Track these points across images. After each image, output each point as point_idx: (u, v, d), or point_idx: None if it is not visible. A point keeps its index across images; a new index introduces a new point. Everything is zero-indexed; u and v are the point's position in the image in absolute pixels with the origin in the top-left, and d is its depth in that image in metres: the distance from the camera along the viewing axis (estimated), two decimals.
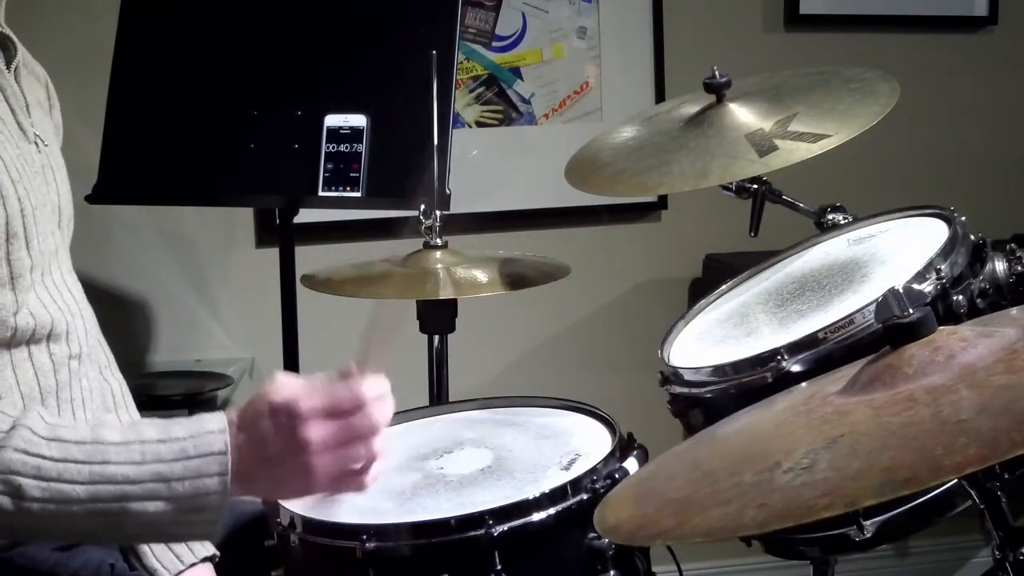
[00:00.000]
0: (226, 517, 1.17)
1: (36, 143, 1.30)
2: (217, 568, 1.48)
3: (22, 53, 1.34)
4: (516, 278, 1.92)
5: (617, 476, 1.37)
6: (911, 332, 1.01)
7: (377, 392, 1.19)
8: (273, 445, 1.15)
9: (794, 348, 1.51)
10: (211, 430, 1.15)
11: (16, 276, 1.22)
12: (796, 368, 1.50)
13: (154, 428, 1.16)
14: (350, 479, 1.19)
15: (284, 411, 1.15)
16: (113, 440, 1.14)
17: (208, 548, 1.46)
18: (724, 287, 1.87)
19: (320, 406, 1.16)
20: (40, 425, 1.13)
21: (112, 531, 1.15)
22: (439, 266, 1.91)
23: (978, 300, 1.53)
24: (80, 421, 1.30)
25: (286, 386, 1.17)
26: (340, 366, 1.21)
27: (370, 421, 1.18)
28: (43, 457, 1.12)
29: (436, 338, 2.05)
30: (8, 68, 1.30)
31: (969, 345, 0.97)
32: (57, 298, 1.28)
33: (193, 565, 1.46)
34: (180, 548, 1.44)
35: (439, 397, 2.07)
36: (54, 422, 1.15)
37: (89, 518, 1.12)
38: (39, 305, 1.24)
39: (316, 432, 1.15)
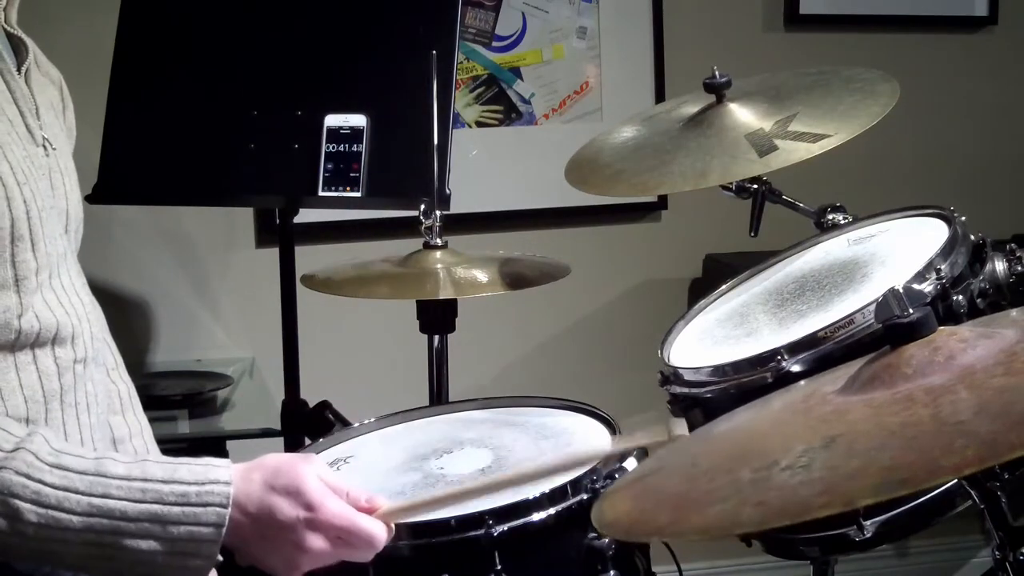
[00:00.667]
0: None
1: (44, 146, 1.29)
2: (218, 568, 1.48)
3: (34, 54, 1.34)
4: (516, 278, 1.92)
5: (617, 476, 1.37)
6: (911, 332, 1.01)
7: (382, 540, 1.23)
8: (278, 528, 1.17)
9: (794, 348, 1.51)
10: (217, 479, 1.16)
11: (21, 279, 1.21)
12: (796, 368, 1.50)
13: (160, 467, 1.17)
14: None
15: (308, 506, 1.17)
16: (117, 474, 1.15)
17: None
18: (724, 287, 1.87)
19: (337, 525, 1.19)
20: (45, 450, 1.14)
21: (103, 563, 1.15)
22: (439, 266, 1.91)
23: (978, 300, 1.53)
24: (84, 426, 1.30)
25: (323, 483, 1.20)
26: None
27: (362, 559, 1.22)
28: (44, 483, 1.12)
29: (436, 338, 2.05)
30: (19, 70, 1.30)
31: (969, 346, 0.97)
32: (64, 301, 1.28)
33: None
34: None
35: (439, 397, 2.07)
36: (59, 447, 1.15)
37: (82, 548, 1.13)
38: (45, 308, 1.24)
39: (318, 543, 1.18)
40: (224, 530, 1.15)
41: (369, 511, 1.21)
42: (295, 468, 1.19)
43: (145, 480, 1.15)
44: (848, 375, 1.03)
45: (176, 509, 1.14)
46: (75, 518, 1.12)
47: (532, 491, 1.36)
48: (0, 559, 1.19)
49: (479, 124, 2.80)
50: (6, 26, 1.32)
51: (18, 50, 1.32)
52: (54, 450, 1.15)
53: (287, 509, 1.17)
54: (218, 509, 1.15)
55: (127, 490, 1.14)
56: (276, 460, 1.21)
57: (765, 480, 0.89)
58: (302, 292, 2.09)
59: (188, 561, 1.15)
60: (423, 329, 2.03)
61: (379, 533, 1.20)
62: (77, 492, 1.13)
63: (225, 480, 1.16)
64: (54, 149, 1.31)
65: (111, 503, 1.13)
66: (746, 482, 0.91)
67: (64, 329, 1.26)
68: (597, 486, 1.36)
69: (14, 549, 1.14)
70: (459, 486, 1.24)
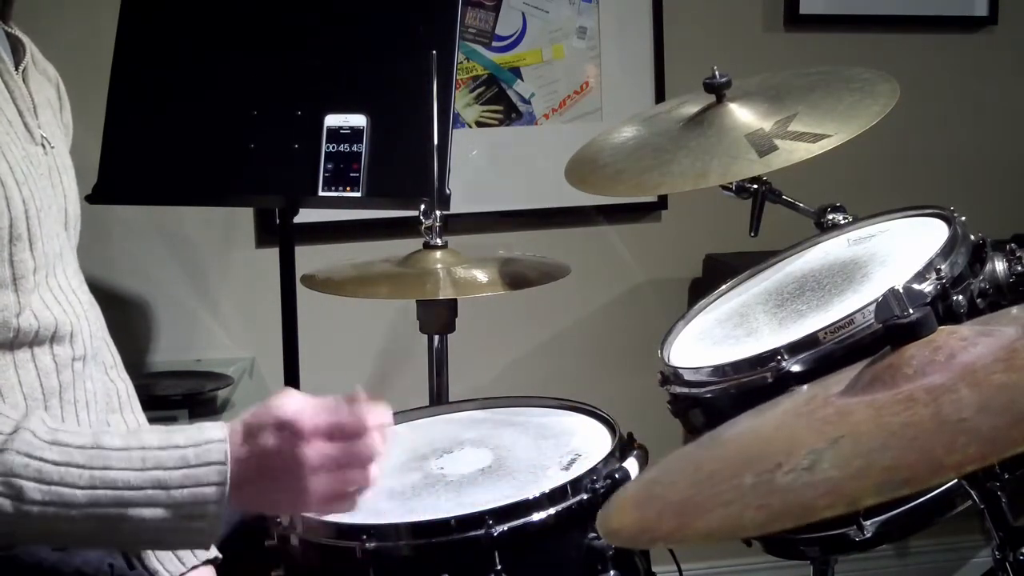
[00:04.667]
0: (223, 527, 1.17)
1: (43, 145, 1.30)
2: (217, 568, 1.48)
3: (31, 53, 1.34)
4: (516, 278, 1.92)
5: (617, 476, 1.37)
6: (911, 332, 1.00)
7: (380, 420, 1.21)
8: (272, 459, 1.16)
9: (794, 348, 1.51)
10: (212, 439, 1.16)
11: (19, 278, 1.22)
12: (796, 368, 1.50)
13: (155, 435, 1.17)
14: (342, 500, 1.21)
15: (288, 426, 1.16)
16: (114, 446, 1.15)
17: (210, 550, 1.46)
18: (724, 287, 1.87)
19: (323, 426, 1.17)
20: (42, 428, 1.14)
21: (110, 536, 1.16)
22: (439, 266, 1.91)
23: (978, 300, 1.53)
24: (84, 423, 1.31)
25: (292, 402, 1.18)
26: (348, 389, 1.21)
27: (369, 448, 1.20)
28: (44, 460, 1.12)
29: (436, 338, 2.05)
30: (17, 69, 1.30)
31: (969, 344, 0.97)
32: (61, 299, 1.28)
33: (195, 567, 1.46)
34: (182, 551, 1.44)
35: (439, 397, 2.07)
36: (55, 426, 1.16)
37: (88, 522, 1.13)
38: (42, 307, 1.24)
39: (315, 451, 1.16)
40: (227, 488, 1.14)
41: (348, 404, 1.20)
42: (269, 404, 1.19)
43: (143, 448, 1.15)
44: (850, 378, 1.03)
45: (177, 473, 1.14)
46: (79, 492, 1.12)
47: (532, 491, 1.36)
48: (8, 541, 1.19)
49: (479, 124, 2.80)
50: (5, 26, 1.32)
51: (16, 49, 1.32)
52: (50, 428, 1.15)
53: (273, 438, 1.16)
54: (218, 467, 1.14)
55: (127, 460, 1.14)
56: (256, 407, 1.20)
57: (768, 483, 0.89)
58: (302, 292, 2.09)
59: (193, 524, 1.14)
60: (423, 329, 2.03)
61: (365, 412, 1.18)
62: (78, 466, 1.13)
63: (220, 438, 1.16)
64: (52, 147, 1.31)
65: (113, 474, 1.13)
66: (749, 486, 0.91)
67: (63, 327, 1.26)
68: (597, 486, 1.36)
69: (21, 529, 1.14)
70: None
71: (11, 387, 1.21)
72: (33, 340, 1.24)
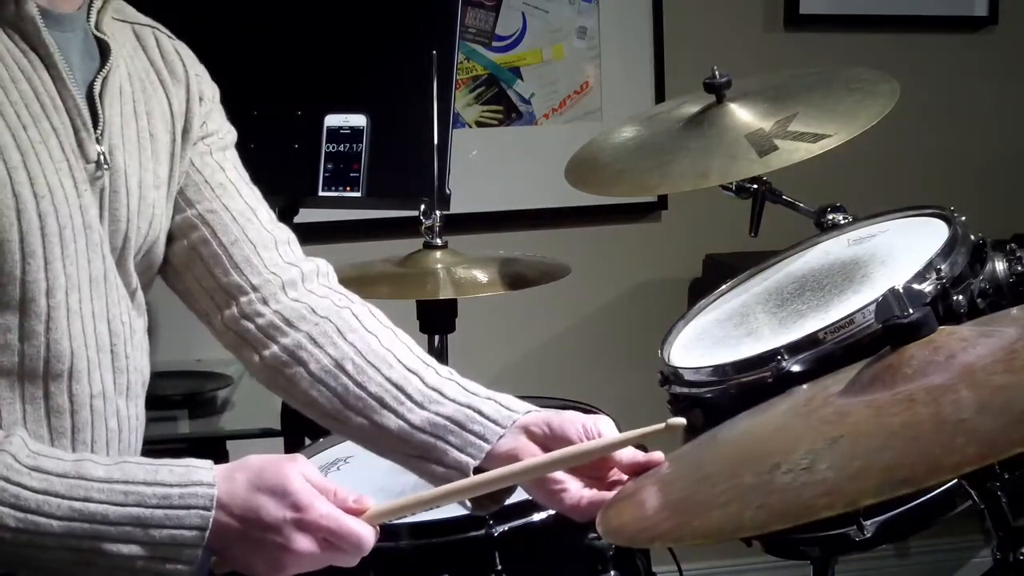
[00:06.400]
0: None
1: (98, 163, 1.22)
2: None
3: (115, 60, 1.26)
4: (516, 278, 1.92)
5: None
6: (911, 332, 1.00)
7: (368, 543, 1.14)
8: (260, 526, 1.11)
9: (794, 348, 1.51)
10: (200, 481, 1.11)
11: (28, 300, 1.16)
12: (796, 368, 1.50)
13: (141, 469, 1.12)
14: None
15: (292, 505, 1.11)
16: (97, 476, 1.10)
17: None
18: (724, 287, 1.87)
19: (324, 526, 1.12)
20: (23, 452, 1.10)
21: (82, 569, 1.11)
22: (439, 266, 1.91)
23: (978, 300, 1.53)
24: (103, 458, 1.25)
25: (310, 483, 1.13)
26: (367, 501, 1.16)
27: (346, 563, 1.15)
28: (23, 487, 1.08)
29: (436, 338, 2.05)
30: (96, 76, 1.23)
31: (969, 345, 0.97)
32: (88, 330, 1.23)
33: None
34: None
35: None
36: (37, 450, 1.11)
37: (62, 553, 1.09)
38: (58, 334, 1.19)
39: (305, 544, 1.11)
40: (207, 534, 1.09)
41: (357, 512, 1.14)
42: (280, 468, 1.13)
43: (126, 482, 1.10)
44: (850, 377, 1.03)
45: (159, 512, 1.09)
46: (55, 522, 1.08)
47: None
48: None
49: (479, 124, 2.80)
50: (96, 31, 1.27)
51: (105, 55, 1.26)
52: (32, 452, 1.10)
53: (273, 510, 1.11)
54: (201, 512, 1.10)
55: (108, 492, 1.09)
56: (260, 460, 1.14)
57: (767, 483, 0.89)
58: None
59: (169, 566, 1.10)
60: (423, 329, 2.03)
61: (367, 535, 1.13)
62: (57, 495, 1.08)
63: (208, 482, 1.11)
64: (107, 168, 1.23)
65: (92, 506, 1.09)
66: (748, 486, 0.91)
67: (79, 360, 1.21)
68: None
69: None
70: (448, 485, 1.20)
71: (12, 423, 1.17)
72: (46, 372, 1.19)
